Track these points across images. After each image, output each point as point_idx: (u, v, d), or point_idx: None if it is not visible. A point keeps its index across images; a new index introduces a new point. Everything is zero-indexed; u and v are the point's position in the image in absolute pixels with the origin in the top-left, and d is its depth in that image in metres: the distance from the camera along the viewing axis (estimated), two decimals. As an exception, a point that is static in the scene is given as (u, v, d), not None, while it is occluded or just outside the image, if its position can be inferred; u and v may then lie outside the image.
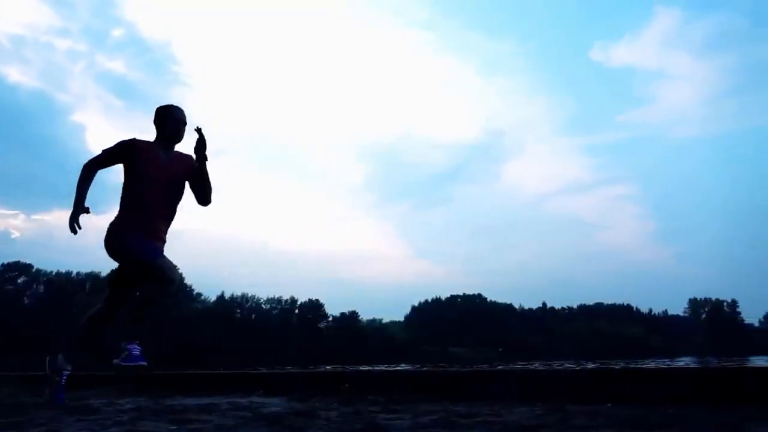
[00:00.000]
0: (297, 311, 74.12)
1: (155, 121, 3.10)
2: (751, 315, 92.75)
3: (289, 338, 62.28)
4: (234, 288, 75.60)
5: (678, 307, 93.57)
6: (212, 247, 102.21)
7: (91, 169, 3.00)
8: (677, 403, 2.10)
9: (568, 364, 23.30)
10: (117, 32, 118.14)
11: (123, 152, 3.00)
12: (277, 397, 3.14)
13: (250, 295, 68.47)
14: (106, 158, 3.02)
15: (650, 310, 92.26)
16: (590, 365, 4.13)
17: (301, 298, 74.21)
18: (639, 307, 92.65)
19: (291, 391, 3.22)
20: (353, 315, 77.10)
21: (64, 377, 3.07)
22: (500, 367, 4.23)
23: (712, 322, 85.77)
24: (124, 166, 3.00)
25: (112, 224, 2.94)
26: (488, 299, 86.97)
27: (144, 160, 2.98)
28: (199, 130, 3.02)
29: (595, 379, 2.24)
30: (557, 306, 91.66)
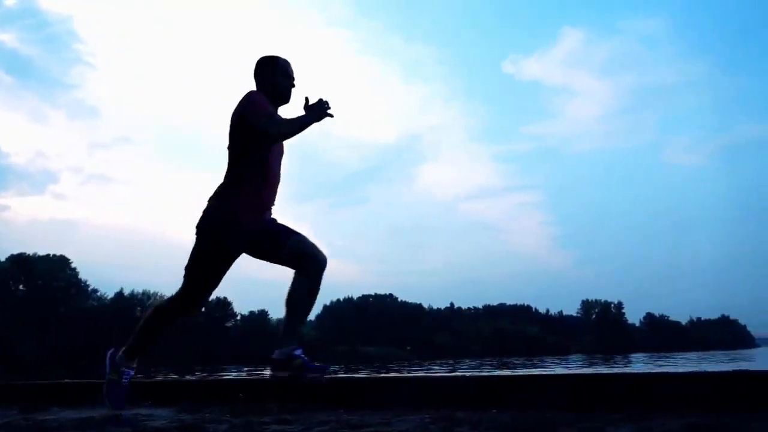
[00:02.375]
0: (203, 310, 71.17)
1: (262, 74, 2.51)
2: (633, 316, 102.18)
3: (193, 339, 59.76)
4: (134, 284, 71.35)
5: (572, 308, 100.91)
6: (111, 239, 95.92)
7: (275, 123, 2.34)
8: (554, 409, 2.25)
9: (471, 362, 24.26)
10: (9, 1, 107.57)
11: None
12: (167, 408, 2.99)
13: (152, 291, 64.72)
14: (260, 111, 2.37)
15: (547, 311, 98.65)
16: (482, 372, 4.33)
17: (208, 297, 71.29)
18: (537, 307, 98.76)
19: (182, 401, 3.08)
20: (263, 314, 75.44)
21: (127, 377, 2.57)
22: (396, 374, 4.33)
23: (601, 322, 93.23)
24: (246, 127, 2.36)
25: (226, 199, 2.38)
26: (399, 299, 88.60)
27: None
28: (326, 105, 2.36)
29: (482, 387, 2.36)
30: (464, 306, 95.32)
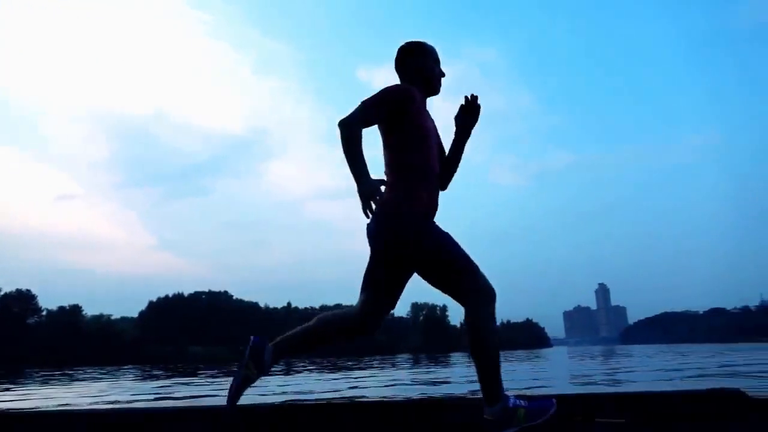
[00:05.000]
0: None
1: (410, 62, 2.21)
2: (455, 318, 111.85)
3: (-18, 336, 51.29)
4: None
5: (402, 310, 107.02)
6: None
7: (359, 127, 1.96)
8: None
9: (302, 363, 24.14)
10: None
11: (402, 98, 2.04)
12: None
13: None
14: (377, 111, 2.01)
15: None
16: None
17: (6, 288, 61.76)
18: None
19: None
20: (75, 309, 67.39)
21: (258, 375, 2.07)
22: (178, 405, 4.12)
23: (427, 323, 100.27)
24: (397, 120, 2.05)
25: (394, 201, 2.00)
26: (234, 297, 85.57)
27: (423, 113, 2.13)
28: (474, 99, 2.22)
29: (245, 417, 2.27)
30: (301, 306, 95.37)
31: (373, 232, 2.02)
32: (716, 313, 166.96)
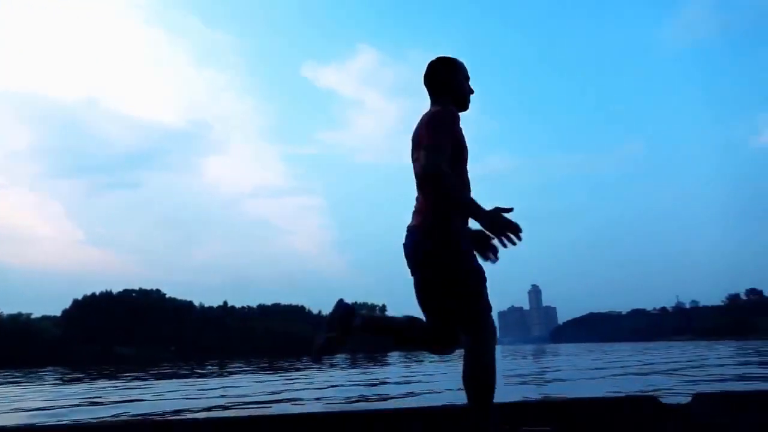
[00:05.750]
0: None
1: (443, 79, 2.12)
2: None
3: None
4: None
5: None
6: None
7: (447, 167, 1.86)
8: None
9: (239, 364, 23.65)
10: None
11: (455, 121, 2.01)
12: None
13: None
14: (447, 141, 1.92)
15: (320, 311, 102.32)
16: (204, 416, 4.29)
17: None
18: (311, 308, 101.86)
19: None
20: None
21: (343, 338, 1.99)
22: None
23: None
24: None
25: (441, 223, 1.93)
26: (168, 295, 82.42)
27: (463, 135, 2.06)
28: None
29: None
30: (237, 305, 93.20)
31: (429, 258, 1.95)
32: (637, 313, 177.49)
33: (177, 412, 4.94)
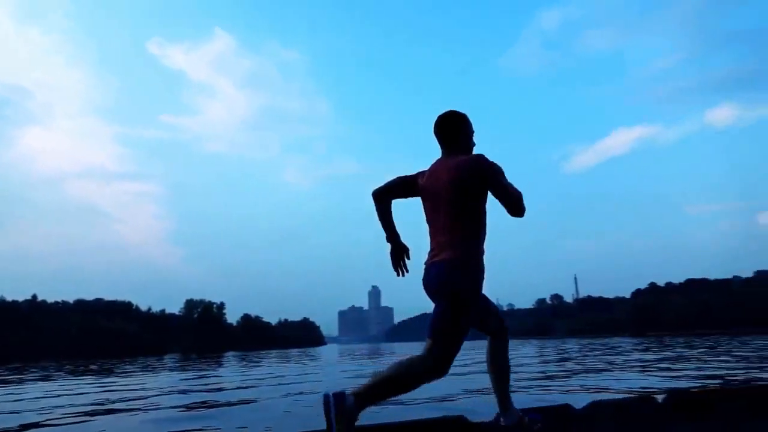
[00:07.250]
0: None
1: (461, 132, 2.45)
2: (232, 316, 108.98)
3: None
4: None
5: (176, 306, 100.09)
6: None
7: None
8: None
9: (50, 367, 21.07)
10: None
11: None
12: None
13: None
14: None
15: (149, 308, 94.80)
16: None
17: None
18: (139, 304, 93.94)
19: None
20: None
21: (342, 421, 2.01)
22: None
23: (202, 321, 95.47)
24: (482, 187, 2.29)
25: (470, 253, 2.26)
26: (-42, 287, 69.78)
27: None
28: None
29: None
30: (50, 300, 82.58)
31: (458, 286, 2.21)
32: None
33: None
